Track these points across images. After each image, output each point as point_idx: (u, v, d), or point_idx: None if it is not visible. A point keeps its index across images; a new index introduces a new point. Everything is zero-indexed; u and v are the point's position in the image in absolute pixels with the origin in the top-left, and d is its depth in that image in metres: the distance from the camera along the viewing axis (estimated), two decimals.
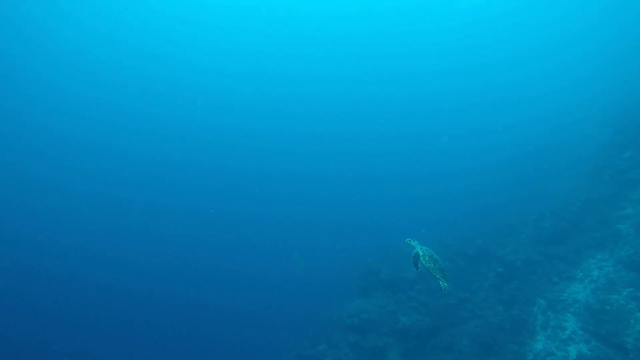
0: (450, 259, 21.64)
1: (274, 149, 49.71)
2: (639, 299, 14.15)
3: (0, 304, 27.89)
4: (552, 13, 59.68)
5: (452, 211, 29.11)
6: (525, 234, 21.32)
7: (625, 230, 17.48)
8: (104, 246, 34.67)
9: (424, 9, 60.81)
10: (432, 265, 7.02)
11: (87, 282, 30.27)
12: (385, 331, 18.57)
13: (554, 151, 29.87)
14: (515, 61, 60.02)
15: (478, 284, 19.70)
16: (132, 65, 60.70)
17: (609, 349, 13.63)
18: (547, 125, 36.01)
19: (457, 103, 55.44)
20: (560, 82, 50.42)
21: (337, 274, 24.71)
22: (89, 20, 55.95)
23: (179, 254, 33.00)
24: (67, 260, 32.66)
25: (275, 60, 62.62)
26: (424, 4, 60.23)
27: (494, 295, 18.76)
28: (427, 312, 18.96)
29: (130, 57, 60.87)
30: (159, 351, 24.53)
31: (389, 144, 48.54)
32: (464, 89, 58.29)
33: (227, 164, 47.68)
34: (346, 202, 37.72)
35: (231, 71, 62.85)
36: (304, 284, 26.53)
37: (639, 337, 13.02)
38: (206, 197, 42.06)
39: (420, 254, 7.12)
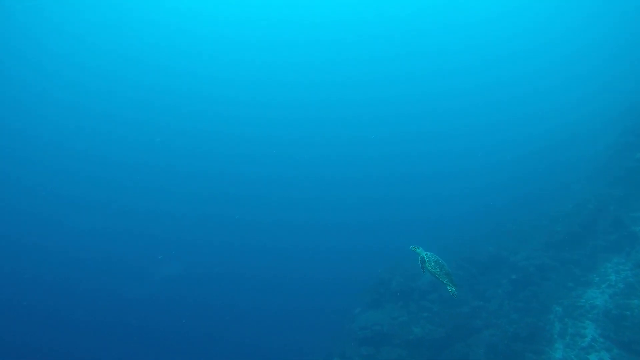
0: (462, 266, 21.06)
1: (282, 159, 49.61)
2: None
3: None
4: (552, 6, 58.85)
5: (461, 217, 28.53)
6: (537, 238, 20.66)
7: None
8: (138, 255, 34.67)
9: (426, 10, 60.22)
10: (439, 270, 6.87)
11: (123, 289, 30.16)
12: (398, 343, 17.95)
13: (562, 153, 29.27)
14: (520, 61, 59.67)
15: (491, 292, 19.07)
16: (135, 73, 60.75)
17: (633, 357, 12.94)
18: (554, 125, 35.41)
19: (465, 113, 55.07)
20: (568, 91, 49.95)
21: (347, 284, 24.22)
22: (83, 27, 55.81)
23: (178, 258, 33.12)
24: (94, 270, 32.65)
25: (289, 68, 62.56)
26: (425, 4, 59.60)
27: (508, 302, 18.11)
28: (440, 322, 18.33)
29: (136, 64, 60.93)
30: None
31: (399, 151, 48.16)
32: (469, 91, 58.08)
33: (242, 172, 47.90)
34: (355, 210, 37.31)
35: (243, 80, 62.81)
36: (315, 294, 26.06)
37: None
38: (209, 203, 42.24)
39: (426, 259, 6.97)
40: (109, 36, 56.50)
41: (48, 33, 53.63)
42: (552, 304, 16.49)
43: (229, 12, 57.05)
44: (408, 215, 33.75)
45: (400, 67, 62.13)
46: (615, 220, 18.10)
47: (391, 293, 20.86)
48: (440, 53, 62.40)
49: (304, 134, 54.22)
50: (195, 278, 29.79)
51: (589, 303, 15.54)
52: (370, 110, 57.42)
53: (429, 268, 6.89)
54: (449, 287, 6.87)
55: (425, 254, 7.02)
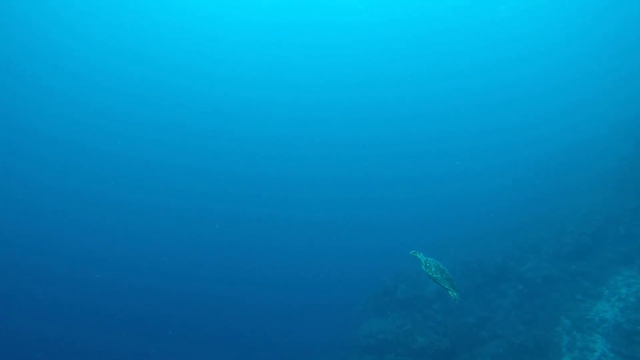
0: (468, 276, 20.61)
1: (287, 164, 49.46)
2: None
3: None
4: (567, 25, 58.26)
5: (467, 226, 28.05)
6: (545, 250, 20.12)
7: None
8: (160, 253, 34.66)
9: (440, 12, 59.61)
10: (439, 275, 6.72)
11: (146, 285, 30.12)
12: (402, 352, 17.48)
13: (572, 164, 28.70)
14: (523, 64, 59.10)
15: (498, 302, 18.57)
16: (142, 71, 60.44)
17: None
18: (565, 137, 34.85)
19: (473, 119, 54.68)
20: (575, 95, 49.28)
21: (351, 291, 23.84)
22: (85, 24, 54.85)
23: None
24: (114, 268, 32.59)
25: (303, 69, 62.15)
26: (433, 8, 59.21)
27: (514, 314, 17.60)
28: (445, 332, 17.86)
29: (141, 64, 60.49)
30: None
31: (407, 160, 47.77)
32: (478, 103, 57.57)
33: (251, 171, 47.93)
34: (360, 217, 36.92)
35: (254, 81, 62.36)
36: (319, 301, 25.65)
37: None
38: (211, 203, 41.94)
39: (426, 266, 6.85)
40: (119, 35, 56.09)
41: (59, 31, 53.55)
42: (560, 317, 15.94)
43: (240, 14, 56.67)
44: (414, 222, 33.36)
45: (410, 69, 61.38)
46: (626, 232, 17.58)
47: (396, 301, 20.46)
48: (448, 55, 61.32)
49: (314, 141, 54.04)
50: (199, 282, 29.55)
51: (599, 316, 14.97)
52: (376, 114, 57.36)
53: (430, 273, 6.77)
54: (450, 292, 6.71)
55: (426, 260, 6.91)
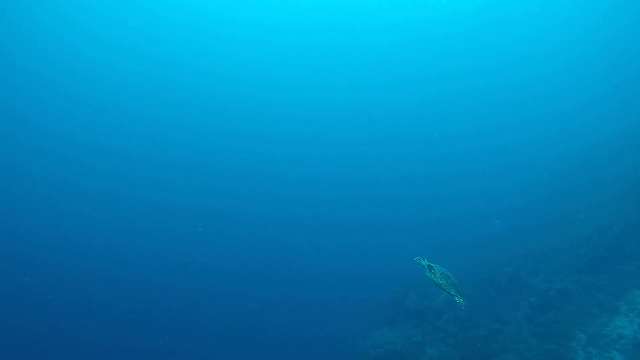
0: (479, 287, 20.08)
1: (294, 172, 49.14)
2: None
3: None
4: (574, 25, 57.10)
5: (479, 236, 27.42)
6: (558, 261, 19.49)
7: None
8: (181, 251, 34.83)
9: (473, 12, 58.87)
10: (445, 281, 6.57)
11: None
12: None
13: (586, 172, 27.84)
14: (544, 77, 57.86)
15: (509, 315, 17.93)
16: (147, 69, 59.97)
17: None
18: (579, 144, 34.02)
19: (483, 121, 53.94)
20: (585, 98, 48.33)
21: (360, 301, 23.37)
22: (91, 21, 54.52)
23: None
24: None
25: (316, 70, 61.33)
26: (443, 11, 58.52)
27: (527, 327, 16.95)
28: (455, 344, 17.30)
29: (147, 62, 60.02)
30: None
31: (418, 168, 47.20)
32: (487, 106, 56.72)
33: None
34: (369, 226, 36.44)
35: (264, 80, 61.99)
36: (327, 310, 25.18)
37: None
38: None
39: (431, 272, 6.71)
40: (126, 33, 55.73)
41: (67, 30, 53.53)
42: (574, 331, 15.29)
43: (244, 14, 56.28)
44: (424, 232, 32.82)
45: (422, 70, 60.74)
46: None
47: (405, 312, 19.96)
48: (458, 56, 60.29)
49: (324, 142, 53.74)
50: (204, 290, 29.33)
51: (616, 332, 14.29)
52: (385, 115, 56.85)
53: (435, 279, 6.63)
54: (456, 298, 6.57)
55: (430, 266, 6.78)
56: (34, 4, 47.50)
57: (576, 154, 32.83)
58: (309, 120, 57.75)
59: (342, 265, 30.55)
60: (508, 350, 16.17)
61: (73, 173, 47.29)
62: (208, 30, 57.37)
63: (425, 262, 6.81)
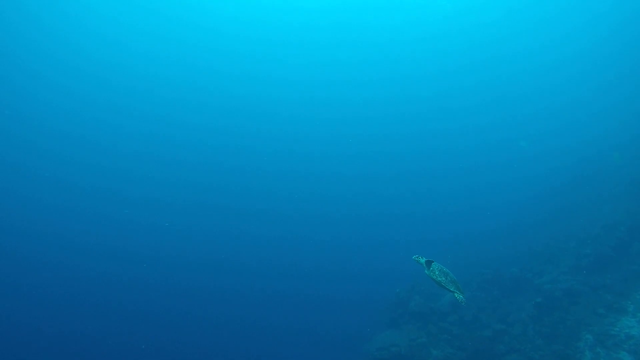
0: (484, 288, 19.79)
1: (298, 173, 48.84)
2: None
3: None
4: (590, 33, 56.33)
5: (483, 236, 27.07)
6: (564, 261, 19.13)
7: None
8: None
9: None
10: (444, 278, 6.50)
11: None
12: None
13: (592, 172, 27.42)
14: (545, 72, 56.89)
15: (515, 316, 17.59)
16: (146, 67, 59.57)
17: None
18: (585, 144, 33.49)
19: (487, 116, 53.47)
20: (591, 92, 47.75)
21: (364, 303, 23.11)
22: (92, 20, 54.51)
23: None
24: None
25: (322, 68, 60.70)
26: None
27: (533, 327, 16.60)
28: (460, 345, 16.96)
29: (147, 60, 59.61)
30: None
31: (419, 166, 46.74)
32: (495, 105, 55.82)
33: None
34: (372, 226, 36.10)
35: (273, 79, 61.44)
36: (331, 312, 24.91)
37: None
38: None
39: (430, 269, 6.63)
40: (127, 32, 55.70)
41: (68, 29, 53.46)
42: (581, 331, 14.92)
43: (245, 12, 56.00)
44: (428, 232, 32.41)
45: (428, 67, 60.13)
46: None
47: (410, 313, 19.63)
48: (460, 55, 60.25)
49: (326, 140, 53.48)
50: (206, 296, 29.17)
51: (624, 332, 13.90)
52: (390, 112, 56.41)
53: (434, 277, 6.55)
54: (456, 295, 6.50)
55: (429, 263, 6.71)
56: (32, 2, 47.41)
57: (581, 151, 32.42)
58: (316, 118, 57.16)
59: (345, 267, 30.29)
60: (514, 351, 15.83)
61: (69, 171, 47.08)
62: (205, 26, 56.98)
63: (423, 260, 6.75)
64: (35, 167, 47.01)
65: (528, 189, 32.03)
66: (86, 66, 56.99)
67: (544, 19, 55.06)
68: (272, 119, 57.21)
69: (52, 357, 22.97)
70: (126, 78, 58.52)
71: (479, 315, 18.25)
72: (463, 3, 53.72)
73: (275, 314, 26.37)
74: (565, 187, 28.21)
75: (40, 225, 37.68)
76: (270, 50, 59.42)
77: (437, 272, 6.51)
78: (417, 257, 6.84)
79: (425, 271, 6.62)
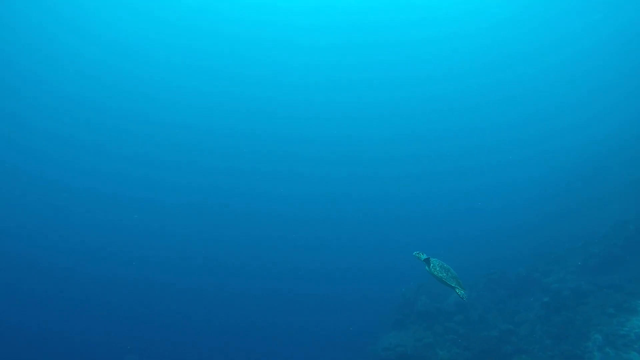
0: (491, 288, 19.53)
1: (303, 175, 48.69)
2: None
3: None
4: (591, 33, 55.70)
5: (489, 236, 26.73)
6: (571, 260, 18.82)
7: None
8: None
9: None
10: (445, 274, 6.41)
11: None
12: None
13: (600, 172, 26.95)
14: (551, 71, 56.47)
15: (522, 315, 17.29)
16: (142, 68, 58.69)
17: None
18: (588, 137, 33.04)
19: (493, 115, 53.11)
20: (604, 100, 47.08)
21: (370, 303, 22.89)
22: (89, 22, 53.03)
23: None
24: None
25: (325, 70, 59.88)
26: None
27: (540, 327, 16.29)
28: (467, 345, 16.70)
29: (144, 61, 58.64)
30: None
31: (424, 166, 46.48)
32: (499, 106, 55.50)
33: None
34: (379, 227, 35.86)
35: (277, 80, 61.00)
36: (337, 313, 24.68)
37: None
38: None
39: (430, 265, 6.51)
40: (122, 32, 54.42)
41: (62, 29, 52.24)
42: (590, 331, 14.59)
43: (242, 12, 55.73)
44: (434, 232, 32.15)
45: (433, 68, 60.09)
46: None
47: (416, 314, 19.46)
48: (464, 56, 59.80)
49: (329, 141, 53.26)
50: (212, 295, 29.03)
51: (634, 332, 13.56)
52: (395, 113, 56.20)
53: (435, 273, 6.45)
54: (457, 290, 6.41)
55: (429, 259, 6.60)
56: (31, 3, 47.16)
57: (590, 154, 31.89)
58: (322, 120, 57.07)
59: (351, 267, 30.10)
60: (521, 352, 15.52)
61: (67, 173, 47.10)
62: (204, 26, 56.09)
63: (424, 256, 6.64)
64: (32, 169, 47.13)
65: (533, 189, 31.66)
66: (83, 68, 56.52)
67: (547, 20, 54.48)
68: (275, 120, 57.07)
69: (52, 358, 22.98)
70: (125, 79, 58.18)
71: (485, 315, 17.99)
72: (465, 5, 53.28)
73: (281, 314, 26.23)
74: (571, 187, 27.83)
75: (39, 226, 37.87)
76: (269, 51, 58.91)
77: (437, 268, 6.42)
78: (417, 253, 6.73)
79: (426, 267, 6.52)
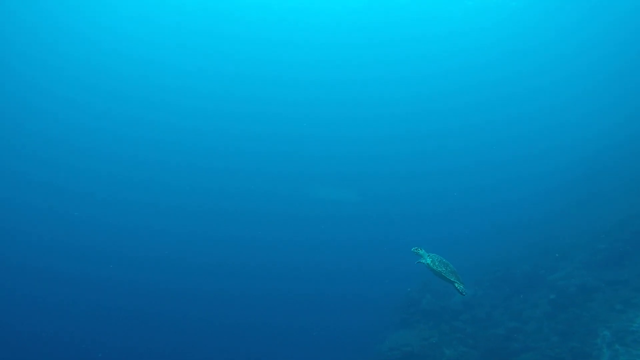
0: (496, 286, 19.27)
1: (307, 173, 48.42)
2: None
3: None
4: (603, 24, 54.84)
5: (494, 233, 26.41)
6: (577, 256, 18.50)
7: None
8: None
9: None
10: (444, 268, 6.36)
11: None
12: None
13: (606, 167, 26.50)
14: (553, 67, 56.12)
15: (528, 313, 16.98)
16: (136, 70, 57.82)
17: None
18: (599, 138, 32.50)
19: (496, 123, 52.63)
20: (610, 95, 46.59)
21: (375, 303, 22.63)
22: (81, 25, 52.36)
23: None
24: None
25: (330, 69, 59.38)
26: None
27: (547, 324, 16.00)
28: (474, 344, 16.44)
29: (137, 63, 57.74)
30: None
31: (427, 165, 46.19)
32: (503, 103, 55.05)
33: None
34: (383, 226, 35.57)
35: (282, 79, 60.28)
36: (342, 313, 24.47)
37: None
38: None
39: (429, 260, 6.49)
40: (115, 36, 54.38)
41: (54, 33, 51.60)
42: (598, 328, 14.27)
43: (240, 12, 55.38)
44: (437, 231, 31.84)
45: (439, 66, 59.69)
46: None
47: (421, 313, 19.23)
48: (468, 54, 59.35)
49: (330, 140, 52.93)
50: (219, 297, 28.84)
51: None
52: (402, 125, 55.89)
53: (434, 268, 6.40)
54: (456, 285, 6.33)
55: (429, 255, 6.57)
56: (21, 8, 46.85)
57: (597, 149, 31.37)
58: (324, 119, 56.81)
59: (355, 267, 29.85)
60: (529, 349, 15.25)
61: (66, 174, 47.04)
62: (203, 27, 56.29)
63: (422, 252, 6.62)
64: (32, 170, 46.97)
65: (537, 186, 31.31)
66: (83, 68, 55.76)
67: (551, 13, 53.90)
68: (275, 120, 56.69)
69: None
70: (124, 79, 57.42)
71: (491, 313, 17.72)
72: (465, 4, 52.92)
73: (286, 314, 26.03)
74: (575, 183, 27.44)
75: (39, 228, 37.80)
76: (269, 51, 58.64)
77: (436, 263, 6.38)
78: (416, 248, 6.69)
79: (425, 262, 6.48)
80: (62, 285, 29.67)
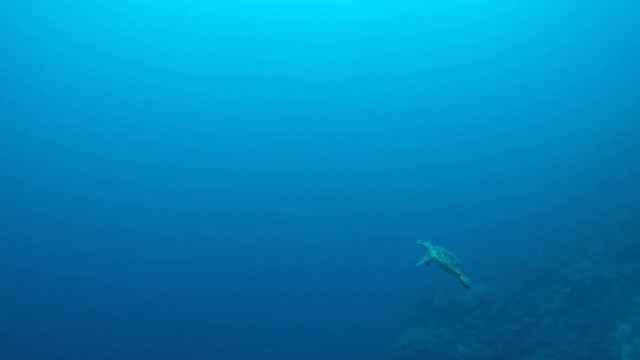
0: (509, 281, 18.82)
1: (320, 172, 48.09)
2: None
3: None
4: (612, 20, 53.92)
5: (506, 226, 25.87)
6: (592, 249, 17.99)
7: None
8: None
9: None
10: (450, 261, 6.24)
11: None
12: None
13: (619, 156, 25.82)
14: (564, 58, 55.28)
15: (543, 308, 16.54)
16: (137, 75, 56.98)
17: None
18: (611, 128, 31.71)
19: (510, 114, 51.75)
20: (619, 83, 45.56)
21: (388, 301, 22.32)
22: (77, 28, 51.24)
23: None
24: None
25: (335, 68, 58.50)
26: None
27: (563, 319, 15.55)
28: (488, 340, 16.04)
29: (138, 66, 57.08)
30: None
31: (440, 160, 45.68)
32: (514, 93, 54.03)
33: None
34: (395, 223, 35.13)
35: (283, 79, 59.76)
36: (354, 311, 24.22)
37: None
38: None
39: (435, 253, 6.34)
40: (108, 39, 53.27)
41: (46, 36, 50.73)
42: (617, 322, 13.81)
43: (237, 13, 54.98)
44: (449, 226, 31.36)
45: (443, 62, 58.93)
46: None
47: (434, 310, 18.87)
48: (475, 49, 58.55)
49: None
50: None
51: None
52: (414, 120, 55.48)
53: (440, 260, 6.27)
54: (462, 277, 6.18)
55: (434, 248, 6.43)
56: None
57: (609, 138, 30.54)
58: (327, 118, 56.26)
59: (367, 265, 29.56)
60: (545, 345, 14.83)
61: (66, 176, 46.78)
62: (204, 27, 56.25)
63: (428, 244, 6.49)
64: (31, 173, 46.86)
65: (548, 178, 30.64)
66: (83, 69, 55.11)
67: (556, 7, 53.09)
68: (274, 120, 56.32)
69: None
70: (125, 79, 56.99)
71: (505, 309, 17.29)
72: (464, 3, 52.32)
73: (300, 313, 25.88)
74: (587, 173, 26.76)
75: (39, 231, 37.79)
76: (268, 51, 58.31)
77: (442, 255, 6.26)
78: (421, 241, 6.56)
79: (431, 254, 6.31)
80: (62, 287, 29.77)
